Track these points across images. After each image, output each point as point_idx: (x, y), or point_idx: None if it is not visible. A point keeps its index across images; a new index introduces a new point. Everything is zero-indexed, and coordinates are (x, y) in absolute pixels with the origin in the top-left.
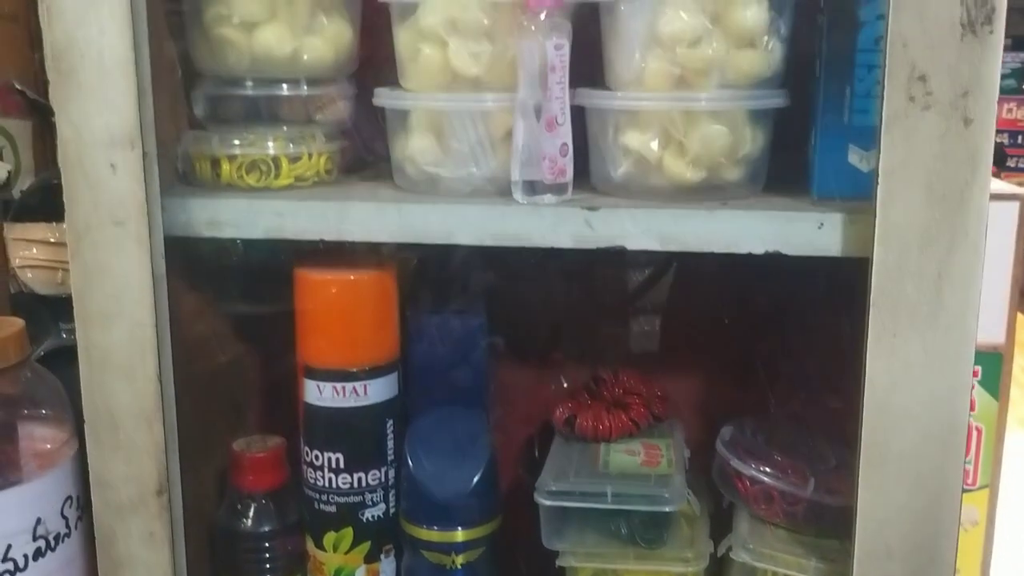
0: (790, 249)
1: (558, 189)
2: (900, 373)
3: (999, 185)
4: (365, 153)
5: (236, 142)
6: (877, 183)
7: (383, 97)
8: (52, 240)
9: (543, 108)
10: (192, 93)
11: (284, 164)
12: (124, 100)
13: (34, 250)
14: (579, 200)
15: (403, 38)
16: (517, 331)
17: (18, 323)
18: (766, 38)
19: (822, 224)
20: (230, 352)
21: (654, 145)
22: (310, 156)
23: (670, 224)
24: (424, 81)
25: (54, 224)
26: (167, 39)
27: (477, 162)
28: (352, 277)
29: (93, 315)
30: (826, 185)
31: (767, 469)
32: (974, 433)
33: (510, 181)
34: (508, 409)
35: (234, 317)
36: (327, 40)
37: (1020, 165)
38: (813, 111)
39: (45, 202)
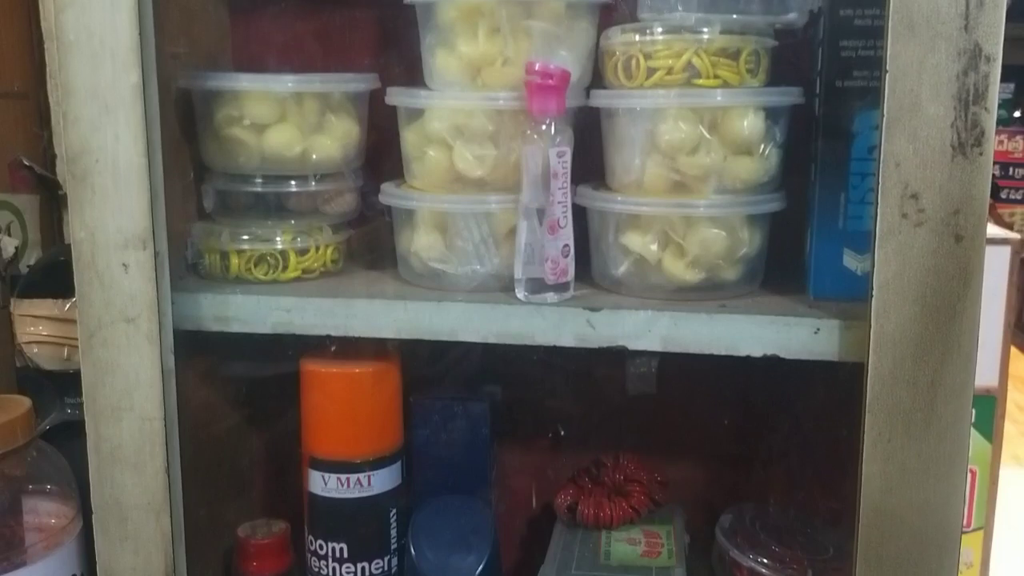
0: (787, 353)
1: (560, 289)
2: (895, 478)
3: (991, 229)
4: None
5: (245, 237)
6: (872, 295)
7: (389, 195)
8: (58, 316)
9: (546, 212)
10: (202, 186)
11: (292, 257)
12: (137, 204)
13: (40, 326)
14: (581, 299)
15: (410, 139)
16: (520, 416)
17: (25, 404)
18: (762, 146)
19: (818, 329)
20: (237, 441)
21: (654, 247)
22: (317, 248)
23: (671, 327)
24: (429, 181)
25: (60, 300)
26: (179, 139)
27: (481, 260)
28: (356, 371)
29: (103, 409)
30: (822, 287)
31: (766, 560)
32: (968, 475)
33: (513, 278)
34: (511, 494)
35: (241, 406)
36: (335, 138)
37: (1013, 196)
38: (809, 214)
39: (52, 278)
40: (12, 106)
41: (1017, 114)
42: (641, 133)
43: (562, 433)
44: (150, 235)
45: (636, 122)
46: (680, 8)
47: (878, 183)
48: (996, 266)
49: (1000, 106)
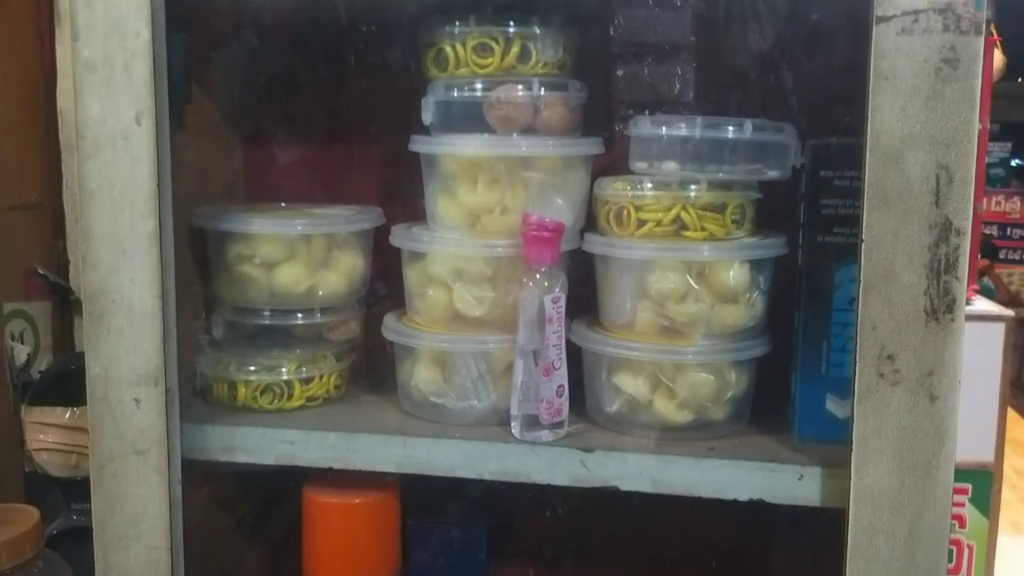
0: (772, 498)
1: (555, 427)
2: None
3: (986, 306)
4: None
5: (252, 368)
6: (852, 448)
7: (392, 331)
8: (67, 424)
9: (540, 355)
10: (212, 316)
11: (297, 387)
12: (151, 343)
13: (49, 434)
14: (575, 437)
15: (412, 276)
16: (515, 542)
17: (33, 517)
18: (748, 294)
19: (802, 476)
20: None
21: (645, 388)
22: (321, 377)
23: (661, 470)
24: (430, 318)
25: (70, 409)
26: (192, 273)
27: (478, 396)
28: (356, 501)
29: (111, 538)
30: (806, 429)
31: None
32: (966, 551)
33: (510, 413)
34: None
35: (246, 533)
36: (341, 274)
37: (1012, 257)
38: (793, 359)
39: (61, 387)
40: (29, 217)
41: (1015, 168)
42: (632, 280)
43: (554, 560)
44: (162, 372)
45: (627, 270)
46: (669, 159)
47: (856, 344)
48: (990, 342)
49: (997, 164)
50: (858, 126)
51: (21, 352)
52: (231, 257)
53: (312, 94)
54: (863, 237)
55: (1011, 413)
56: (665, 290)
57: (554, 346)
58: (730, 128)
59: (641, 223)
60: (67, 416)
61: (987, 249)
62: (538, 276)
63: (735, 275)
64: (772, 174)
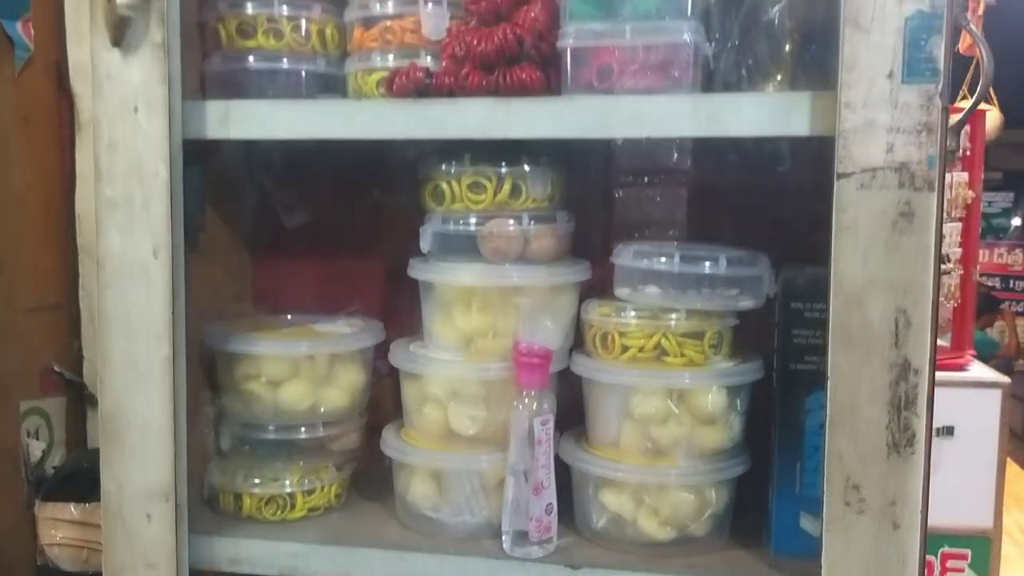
0: None
1: (544, 543)
2: None
3: (982, 371)
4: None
5: (256, 481)
6: (822, 571)
7: (390, 447)
8: (79, 520)
9: (530, 474)
10: (220, 427)
11: (299, 499)
12: (163, 461)
13: (61, 529)
14: (563, 551)
15: (409, 393)
16: None
17: None
18: (727, 416)
19: None
20: None
21: (629, 506)
22: (323, 488)
23: None
24: (426, 434)
25: (82, 505)
26: (201, 388)
27: (472, 511)
28: None
29: None
30: (782, 545)
31: None
32: None
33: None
34: None
35: None
36: (343, 389)
37: (1015, 308)
38: (770, 478)
39: (74, 483)
40: (47, 317)
41: (1017, 222)
42: (616, 402)
43: None
44: (172, 489)
45: (612, 393)
46: (651, 284)
47: (824, 473)
48: (988, 409)
49: (1000, 215)
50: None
51: (36, 448)
52: (238, 375)
53: (317, 216)
54: (829, 375)
55: (1014, 468)
56: (647, 414)
57: (543, 466)
58: (706, 263)
59: (624, 348)
60: (79, 512)
61: (987, 302)
62: (527, 399)
63: (713, 400)
64: (747, 303)
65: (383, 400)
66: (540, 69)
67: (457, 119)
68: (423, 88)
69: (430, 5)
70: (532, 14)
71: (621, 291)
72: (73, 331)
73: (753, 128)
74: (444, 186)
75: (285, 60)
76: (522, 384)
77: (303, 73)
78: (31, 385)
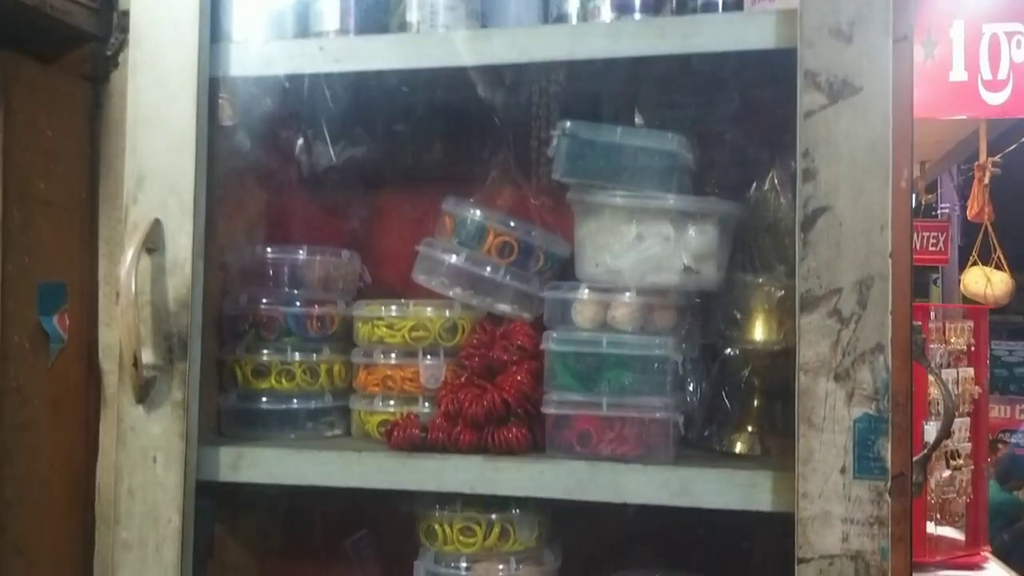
0: None
1: None
2: None
3: (998, 571)
4: None
5: None
6: None
7: None
8: None
9: None
10: None
11: None
12: None
13: None
14: None
15: None
16: None
17: None
18: None
19: None
20: None
21: None
22: None
23: None
24: None
25: None
26: None
27: None
28: None
29: None
30: None
31: None
32: None
33: None
34: None
35: None
36: None
37: None
38: None
39: None
40: None
41: None
42: None
43: None
44: None
45: None
46: None
47: None
48: None
49: (1021, 364)
50: None
51: None
52: None
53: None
54: None
55: None
56: None
57: None
58: None
59: None
60: None
61: (1013, 465)
62: None
63: None
64: None
65: None
66: (526, 425)
67: (450, 475)
68: (419, 443)
69: (428, 358)
70: (519, 377)
71: None
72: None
73: (720, 502)
74: (437, 527)
75: (295, 400)
76: None
77: (311, 408)
78: None
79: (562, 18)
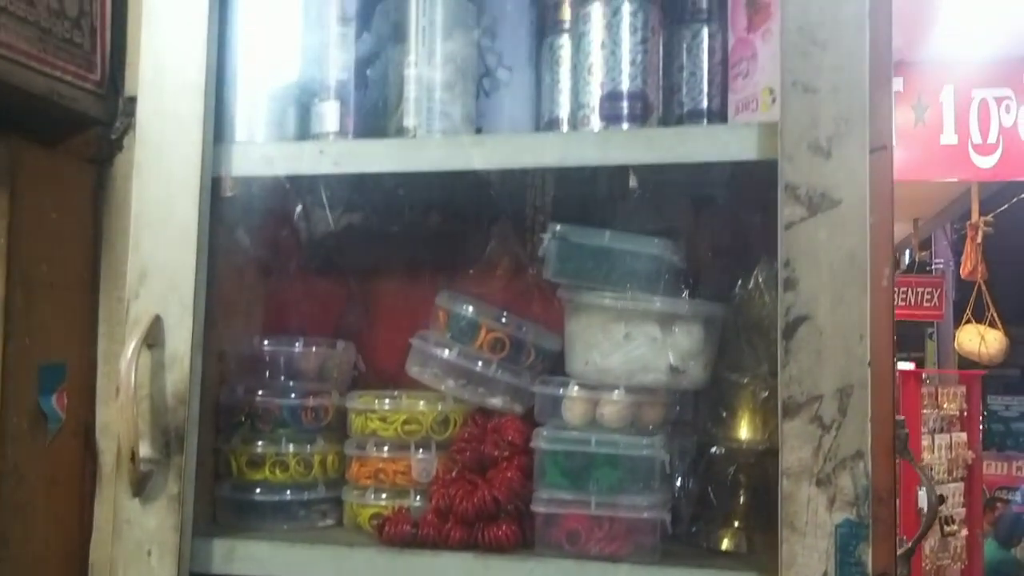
0: None
1: None
2: None
3: None
4: None
5: None
6: None
7: None
8: None
9: None
10: None
11: None
12: None
13: None
14: None
15: None
16: None
17: None
18: None
19: None
20: None
21: None
22: None
23: None
24: None
25: None
26: None
27: None
28: None
29: None
30: None
31: None
32: None
33: None
34: None
35: None
36: None
37: None
38: None
39: None
40: None
41: None
42: None
43: None
44: None
45: None
46: None
47: None
48: None
49: (1018, 419)
50: None
51: None
52: None
53: None
54: None
55: None
56: None
57: None
58: None
59: None
60: None
61: (1014, 525)
62: None
63: None
64: None
65: None
66: (516, 522)
67: (440, 572)
68: (409, 539)
69: (420, 452)
70: (509, 473)
71: None
72: None
73: None
74: None
75: (288, 492)
76: None
77: (304, 499)
78: None
79: (554, 122)
